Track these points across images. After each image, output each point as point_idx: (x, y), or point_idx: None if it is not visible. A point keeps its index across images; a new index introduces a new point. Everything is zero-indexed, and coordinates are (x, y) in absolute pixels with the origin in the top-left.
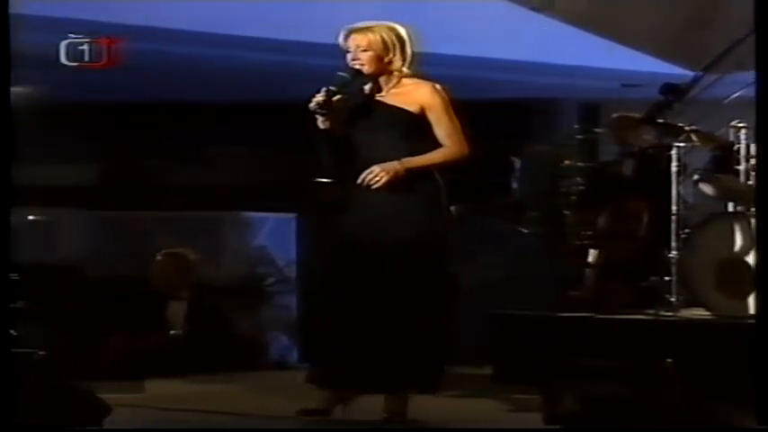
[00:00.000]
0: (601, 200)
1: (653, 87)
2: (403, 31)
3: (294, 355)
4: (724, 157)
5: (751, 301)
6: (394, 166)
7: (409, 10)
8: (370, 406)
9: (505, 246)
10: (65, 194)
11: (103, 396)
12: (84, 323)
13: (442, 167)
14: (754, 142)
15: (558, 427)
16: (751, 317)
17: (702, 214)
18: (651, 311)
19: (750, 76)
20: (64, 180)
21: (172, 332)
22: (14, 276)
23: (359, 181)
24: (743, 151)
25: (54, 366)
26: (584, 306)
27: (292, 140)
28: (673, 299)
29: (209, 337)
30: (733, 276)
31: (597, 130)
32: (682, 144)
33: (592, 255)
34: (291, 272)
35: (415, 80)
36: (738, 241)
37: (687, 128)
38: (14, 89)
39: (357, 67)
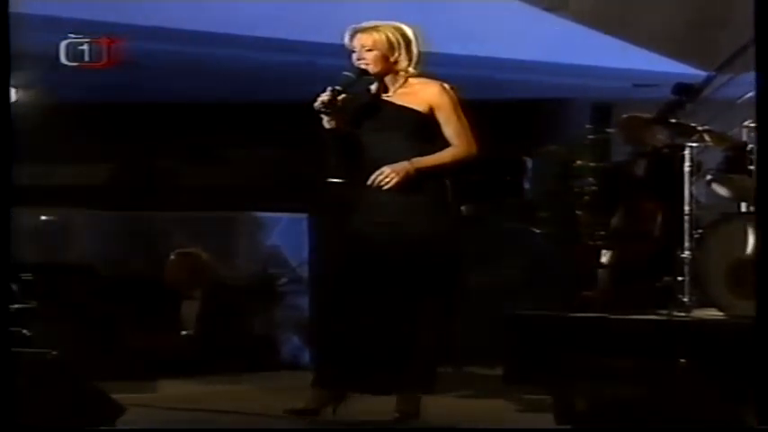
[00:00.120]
0: (613, 200)
1: (665, 87)
2: (409, 31)
3: (306, 356)
4: (737, 158)
5: None
6: (405, 166)
7: (420, 10)
8: (367, 407)
9: (517, 246)
10: (78, 194)
11: (116, 396)
12: (96, 323)
13: (451, 167)
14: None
15: (569, 427)
16: (753, 317)
17: (715, 214)
18: (664, 312)
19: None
20: (77, 180)
21: (184, 332)
22: (27, 276)
23: (369, 182)
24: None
25: (67, 367)
26: (596, 306)
27: (305, 140)
28: (685, 299)
29: (221, 337)
30: (746, 277)
31: (609, 130)
32: (695, 144)
33: (604, 255)
34: (304, 272)
35: (422, 80)
36: (751, 241)
37: (700, 128)
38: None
39: (363, 66)
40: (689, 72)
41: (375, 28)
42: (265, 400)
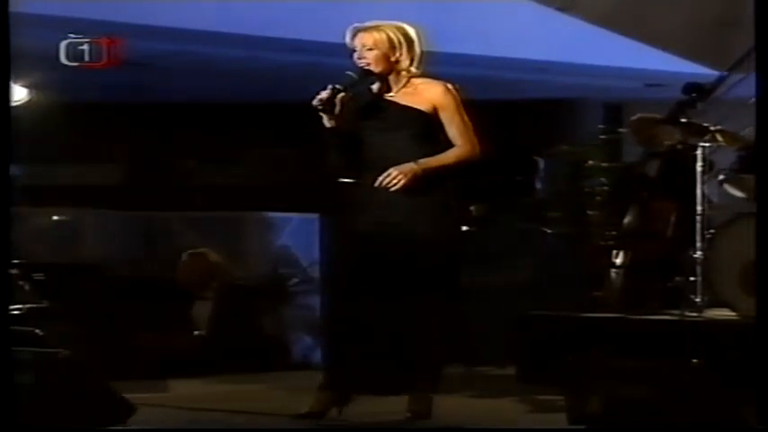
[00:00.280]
0: (625, 200)
1: (677, 87)
2: (411, 30)
3: (317, 356)
4: (749, 157)
5: None
6: (411, 167)
7: (432, 10)
8: (373, 407)
9: (530, 246)
10: (89, 195)
11: (127, 396)
12: (108, 323)
13: (455, 168)
14: None
15: (582, 427)
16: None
17: (728, 214)
18: (676, 312)
19: None
20: (88, 180)
21: (196, 332)
22: (39, 276)
23: (377, 183)
24: None
25: (79, 366)
26: (608, 306)
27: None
28: (698, 299)
29: (233, 337)
30: None
31: (621, 130)
32: (707, 144)
33: (616, 255)
34: (315, 272)
35: (425, 80)
36: None
37: (712, 128)
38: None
39: (364, 66)
40: (701, 72)
41: (376, 27)
42: (277, 400)
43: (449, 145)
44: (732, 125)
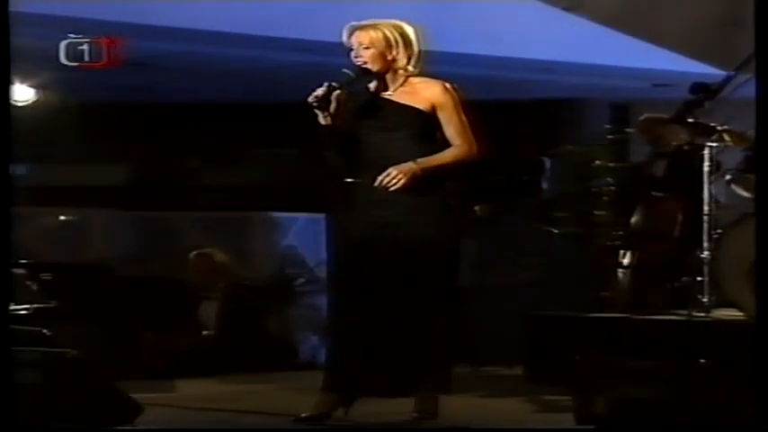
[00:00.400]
0: (632, 200)
1: (684, 87)
2: (408, 29)
3: (324, 356)
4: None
5: None
6: (411, 167)
7: (438, 10)
8: (380, 408)
9: (537, 246)
10: (97, 194)
11: (135, 396)
12: (115, 323)
13: (453, 167)
14: None
15: (590, 427)
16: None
17: (735, 214)
18: (683, 312)
19: None
20: (97, 180)
21: (203, 332)
22: (47, 276)
23: (376, 183)
24: None
25: (86, 366)
26: (615, 306)
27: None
28: (705, 299)
29: (240, 336)
30: None
31: (628, 129)
32: (714, 144)
33: (623, 255)
34: (321, 272)
35: (424, 78)
36: None
37: (719, 127)
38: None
39: (361, 64)
40: (708, 72)
41: (373, 26)
42: (284, 400)
43: (447, 144)
44: (739, 125)
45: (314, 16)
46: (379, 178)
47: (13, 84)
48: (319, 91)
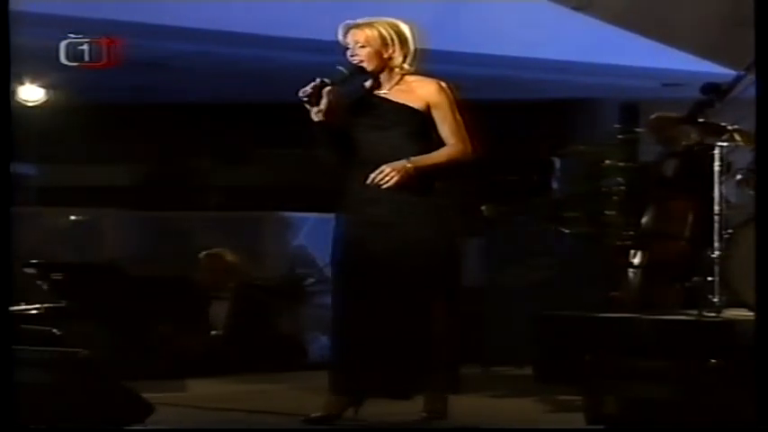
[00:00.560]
0: (643, 200)
1: (694, 86)
2: (404, 27)
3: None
4: None
5: None
6: (404, 165)
7: (448, 10)
8: (386, 408)
9: (547, 246)
10: (108, 195)
11: (145, 395)
12: (125, 323)
13: (447, 167)
14: None
15: (600, 427)
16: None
17: (745, 214)
18: (694, 312)
19: None
20: (108, 181)
21: (213, 332)
22: (58, 276)
23: (368, 180)
24: None
25: (97, 366)
26: (626, 306)
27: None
28: (715, 299)
29: (250, 336)
30: None
31: (638, 129)
32: (725, 143)
33: (634, 255)
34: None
35: (419, 77)
36: None
37: (730, 127)
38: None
39: (357, 63)
40: (718, 71)
41: (368, 24)
42: (294, 400)
43: (442, 144)
44: (750, 125)
45: (327, 16)
46: (372, 175)
47: (22, 84)
48: (308, 87)
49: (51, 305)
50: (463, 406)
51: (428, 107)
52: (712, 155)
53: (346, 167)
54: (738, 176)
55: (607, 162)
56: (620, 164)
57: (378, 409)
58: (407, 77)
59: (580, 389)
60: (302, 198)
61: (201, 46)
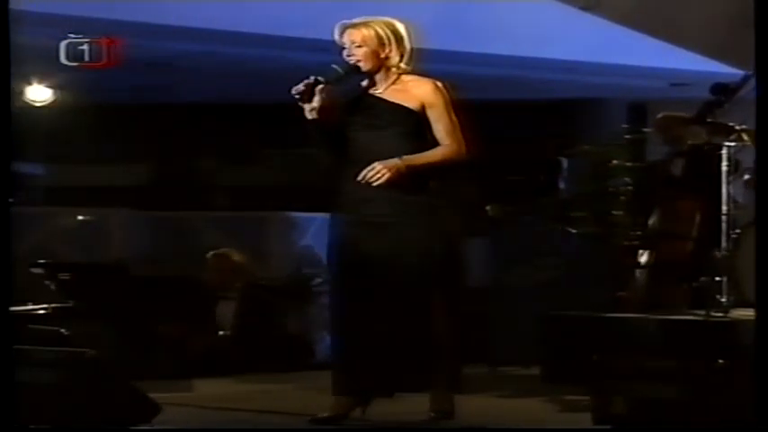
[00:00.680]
0: (650, 200)
1: (702, 86)
2: (400, 26)
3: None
4: None
5: None
6: (396, 162)
7: (455, 10)
8: (393, 408)
9: (554, 246)
10: (114, 194)
11: (152, 395)
12: (133, 323)
13: (440, 167)
14: None
15: (607, 427)
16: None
17: (753, 214)
18: (702, 312)
19: None
20: (114, 181)
21: (220, 332)
22: (65, 276)
23: (359, 178)
24: None
25: (104, 366)
26: (633, 306)
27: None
28: (723, 299)
29: (257, 336)
30: None
31: (646, 129)
32: (732, 143)
33: (641, 255)
34: None
35: (415, 77)
36: None
37: (738, 127)
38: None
39: (353, 63)
40: (726, 71)
41: (365, 23)
42: (301, 400)
43: (436, 144)
44: None
45: (334, 16)
46: (363, 173)
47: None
48: (301, 85)
49: (59, 305)
50: (470, 406)
51: (423, 107)
52: (720, 155)
53: (341, 166)
54: (746, 176)
55: (614, 162)
56: (628, 164)
57: (385, 408)
58: (404, 77)
59: (587, 389)
60: (308, 198)
61: (207, 46)
